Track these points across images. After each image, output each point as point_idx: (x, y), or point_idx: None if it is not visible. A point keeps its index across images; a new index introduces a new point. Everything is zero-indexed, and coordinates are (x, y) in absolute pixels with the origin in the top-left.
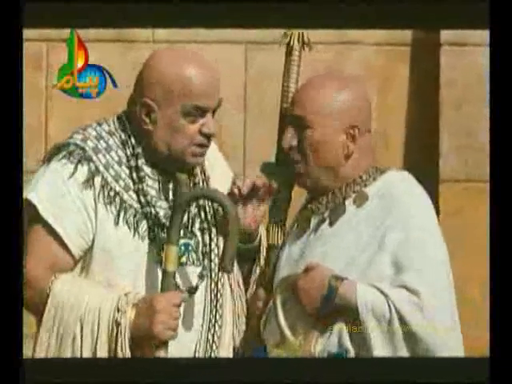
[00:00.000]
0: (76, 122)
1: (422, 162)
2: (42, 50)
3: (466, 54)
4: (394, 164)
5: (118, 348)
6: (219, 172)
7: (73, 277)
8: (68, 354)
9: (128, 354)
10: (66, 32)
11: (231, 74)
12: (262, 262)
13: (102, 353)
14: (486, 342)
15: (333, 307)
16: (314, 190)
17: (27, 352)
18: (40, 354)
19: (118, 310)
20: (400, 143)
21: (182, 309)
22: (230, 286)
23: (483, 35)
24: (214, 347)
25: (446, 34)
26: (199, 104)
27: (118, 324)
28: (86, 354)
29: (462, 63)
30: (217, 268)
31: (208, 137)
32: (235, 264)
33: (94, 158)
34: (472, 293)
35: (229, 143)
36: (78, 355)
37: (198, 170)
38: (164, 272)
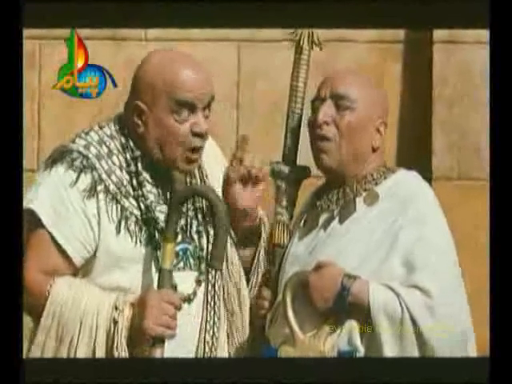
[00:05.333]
0: (68, 120)
1: (415, 159)
2: (35, 49)
3: (459, 52)
4: (387, 162)
5: (115, 346)
6: (217, 169)
7: (71, 278)
8: (64, 354)
9: (125, 353)
10: (58, 30)
11: (224, 71)
12: (265, 244)
13: (100, 352)
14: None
15: (345, 306)
16: (332, 173)
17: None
18: (35, 354)
19: (116, 308)
20: (393, 141)
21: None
22: (223, 289)
23: (476, 33)
24: (213, 349)
25: (438, 32)
26: (183, 98)
27: (115, 322)
28: (82, 353)
29: (455, 61)
30: (213, 271)
31: (201, 137)
32: (235, 255)
33: (97, 165)
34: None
35: (221, 141)
36: (74, 355)
37: (196, 170)
38: (160, 270)
